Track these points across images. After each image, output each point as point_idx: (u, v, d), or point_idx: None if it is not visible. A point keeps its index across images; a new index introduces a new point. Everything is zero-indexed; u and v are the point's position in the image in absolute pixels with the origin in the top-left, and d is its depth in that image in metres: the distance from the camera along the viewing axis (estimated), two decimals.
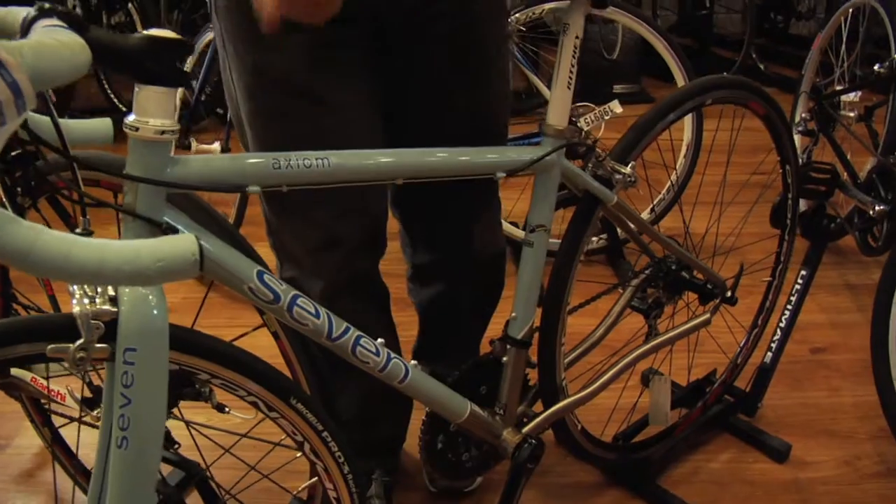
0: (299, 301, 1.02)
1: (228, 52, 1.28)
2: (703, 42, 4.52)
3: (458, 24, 1.31)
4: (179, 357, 0.95)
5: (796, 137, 2.46)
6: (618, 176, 1.36)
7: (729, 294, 1.67)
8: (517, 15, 2.47)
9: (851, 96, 2.48)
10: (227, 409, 1.19)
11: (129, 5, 3.80)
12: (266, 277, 0.99)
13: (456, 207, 1.51)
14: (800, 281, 1.93)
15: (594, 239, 2.66)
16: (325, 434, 1.10)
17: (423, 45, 1.31)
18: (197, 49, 2.79)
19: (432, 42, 1.31)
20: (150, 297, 0.89)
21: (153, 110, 0.84)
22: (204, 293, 1.42)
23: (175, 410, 1.10)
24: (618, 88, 4.20)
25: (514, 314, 1.35)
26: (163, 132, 0.85)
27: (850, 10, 2.69)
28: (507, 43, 1.43)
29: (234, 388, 1.01)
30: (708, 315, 1.66)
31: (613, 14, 2.62)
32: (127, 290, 0.88)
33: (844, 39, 2.70)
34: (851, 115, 2.50)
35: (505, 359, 1.37)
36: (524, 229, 1.32)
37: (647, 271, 1.65)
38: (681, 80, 2.67)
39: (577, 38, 1.25)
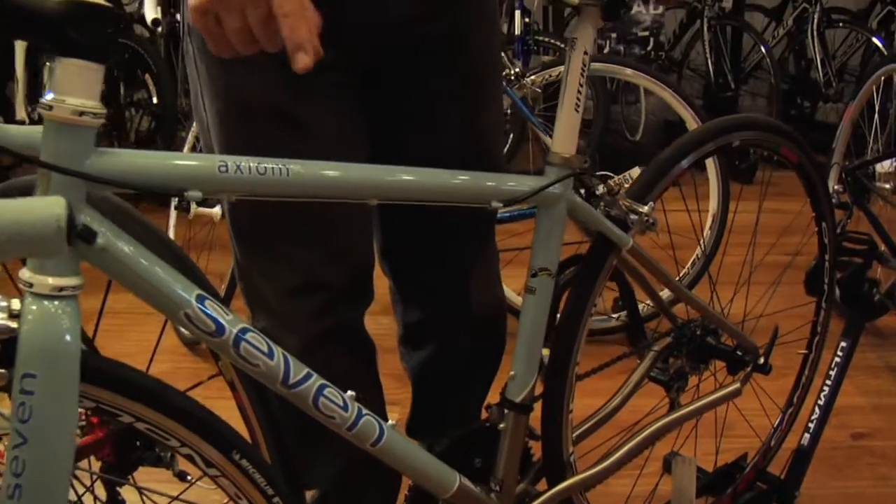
0: (248, 336, 0.86)
1: (201, 76, 1.15)
2: None
3: (451, 47, 1.19)
4: (94, 391, 0.78)
5: None
6: (634, 216, 1.19)
7: (762, 361, 1.48)
8: (532, 77, 2.37)
9: (886, 165, 2.33)
10: (189, 478, 1.01)
11: (147, 78, 3.77)
12: (208, 303, 0.83)
13: (448, 255, 1.36)
14: (839, 353, 1.73)
15: (613, 316, 2.48)
16: (276, 500, 0.91)
17: (415, 70, 1.18)
18: None
19: (424, 67, 1.18)
20: (60, 313, 0.73)
21: (73, 87, 0.71)
22: (197, 364, 1.27)
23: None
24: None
25: (512, 373, 1.16)
26: (82, 113, 0.71)
27: (882, 79, 2.56)
28: (499, 67, 1.30)
29: (164, 435, 0.84)
30: (738, 385, 1.46)
31: (638, 79, 2.51)
32: (33, 304, 0.73)
33: (877, 109, 2.56)
34: (887, 186, 2.35)
35: (502, 426, 1.18)
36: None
37: (668, 337, 1.47)
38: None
39: (585, 53, 1.11)
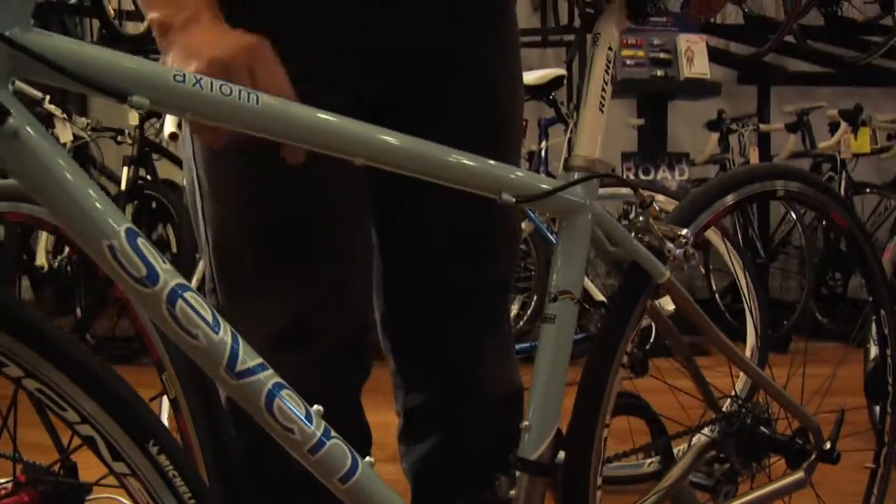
0: (189, 296, 0.68)
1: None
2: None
3: (476, 81, 1.09)
4: None
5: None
6: (671, 245, 1.02)
7: (828, 447, 1.23)
8: None
9: None
10: None
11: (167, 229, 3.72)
12: (140, 241, 0.66)
13: (458, 324, 1.18)
14: None
15: (646, 461, 2.21)
16: None
17: (435, 104, 1.07)
18: None
19: (446, 101, 1.07)
20: None
21: None
22: None
23: None
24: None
25: (526, 423, 0.95)
26: None
27: None
28: (521, 104, 1.19)
29: (60, 403, 0.63)
30: (802, 474, 1.21)
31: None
32: None
33: None
34: None
35: (513, 493, 0.95)
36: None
37: (712, 432, 1.24)
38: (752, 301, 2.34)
39: (609, 50, 0.99)
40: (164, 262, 0.67)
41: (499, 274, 1.20)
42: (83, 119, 3.58)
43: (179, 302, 0.67)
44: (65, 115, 3.47)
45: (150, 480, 0.67)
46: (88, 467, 0.98)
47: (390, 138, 0.81)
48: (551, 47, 4.30)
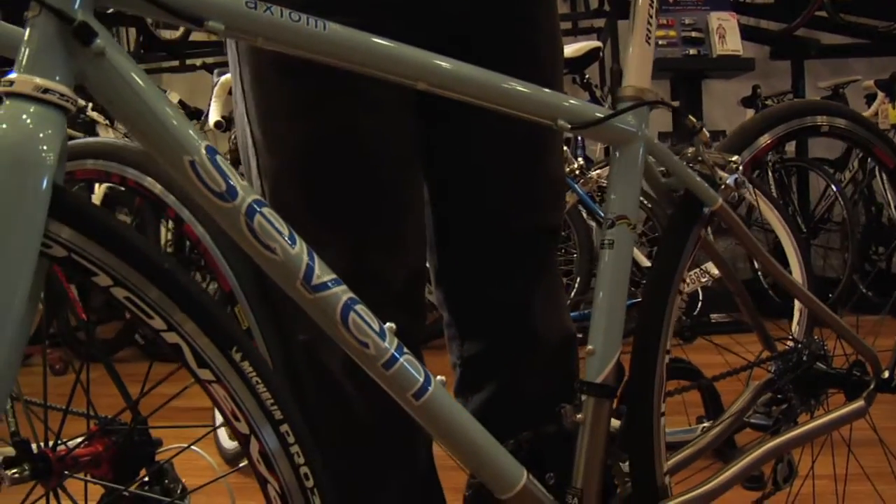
0: (266, 211, 0.71)
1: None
2: None
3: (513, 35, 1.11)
4: (67, 235, 0.63)
5: None
6: (722, 173, 1.04)
7: (886, 375, 1.23)
8: (598, 171, 2.28)
9: None
10: None
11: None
12: (219, 157, 0.69)
13: (510, 271, 1.20)
14: None
15: (698, 426, 2.21)
16: (283, 427, 0.71)
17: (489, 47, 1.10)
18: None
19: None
20: (39, 118, 0.61)
21: None
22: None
23: None
24: (715, 317, 3.87)
25: (590, 347, 0.97)
26: None
27: None
28: (559, 36, 1.20)
29: (147, 311, 0.67)
30: (862, 402, 1.21)
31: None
32: (9, 104, 0.61)
33: None
34: None
35: (579, 416, 0.97)
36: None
37: (768, 371, 1.25)
38: (798, 274, 2.33)
39: None
40: (241, 178, 0.71)
41: (548, 220, 1.22)
42: None
43: (257, 216, 0.70)
44: (107, 122, 3.55)
45: (235, 386, 0.69)
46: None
47: (450, 64, 0.83)
48: (582, 34, 4.31)
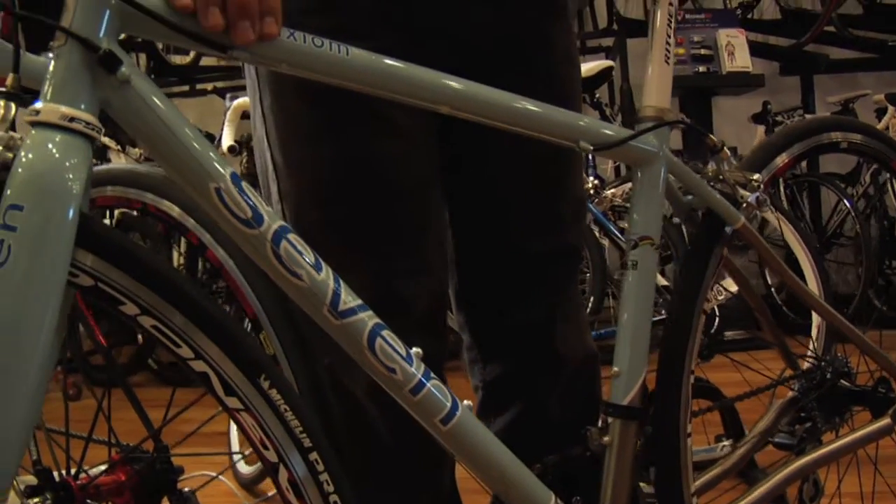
0: (292, 237, 0.71)
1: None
2: None
3: (529, 50, 1.11)
4: (93, 263, 0.63)
5: None
6: (743, 191, 1.03)
7: None
8: (612, 190, 2.28)
9: None
10: None
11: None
12: (244, 184, 0.69)
13: (531, 291, 1.20)
14: None
15: (718, 445, 2.18)
16: (313, 455, 0.70)
17: (498, 69, 1.10)
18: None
19: (506, 67, 1.10)
20: (65, 148, 0.61)
21: None
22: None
23: None
24: (729, 335, 3.85)
25: (616, 369, 0.96)
26: None
27: None
28: (576, 55, 1.20)
29: (174, 339, 0.66)
30: (888, 420, 1.19)
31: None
32: (35, 134, 0.61)
33: None
34: None
35: (606, 439, 0.96)
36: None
37: (791, 389, 1.24)
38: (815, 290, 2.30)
39: (671, 5, 1.01)
40: (266, 204, 0.71)
41: (569, 241, 1.22)
42: (136, 150, 3.68)
43: (283, 242, 0.70)
44: (119, 147, 3.57)
45: (263, 415, 0.69)
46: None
47: (473, 88, 0.83)
48: (590, 53, 4.32)
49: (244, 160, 2.70)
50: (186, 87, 4.35)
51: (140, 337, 3.68)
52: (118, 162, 3.54)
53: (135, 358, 3.56)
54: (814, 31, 4.08)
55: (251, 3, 0.69)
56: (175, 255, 3.55)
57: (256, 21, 0.69)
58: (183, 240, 3.49)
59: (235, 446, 1.91)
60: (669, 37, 1.00)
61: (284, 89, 1.01)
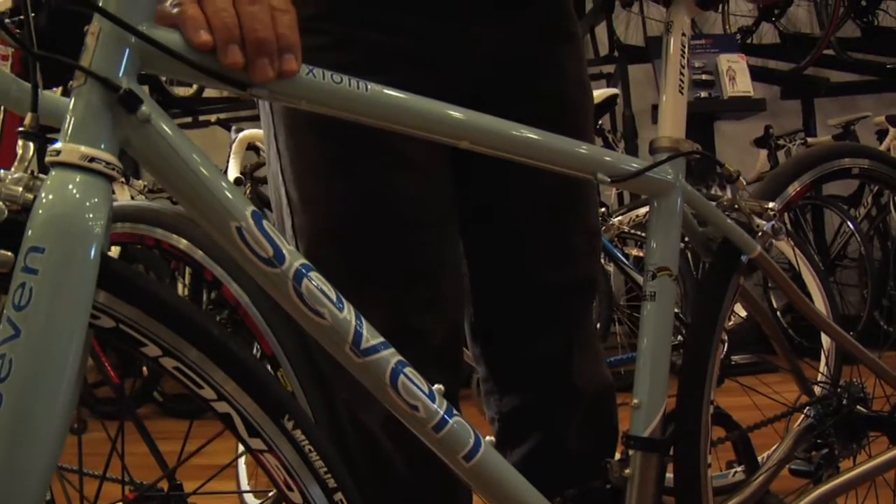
0: (314, 275, 0.70)
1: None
2: None
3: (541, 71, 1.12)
4: (115, 305, 0.62)
5: None
6: (759, 220, 1.03)
7: None
8: (619, 217, 2.28)
9: None
10: None
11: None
12: (265, 223, 0.69)
13: (548, 324, 1.19)
14: None
15: (730, 472, 2.17)
16: (337, 496, 0.69)
17: (513, 93, 1.10)
18: None
19: (519, 90, 1.10)
20: (86, 188, 0.60)
21: None
22: None
23: None
24: (736, 358, 3.82)
25: (636, 401, 0.95)
26: None
27: None
28: (588, 82, 1.21)
29: (196, 380, 0.65)
30: None
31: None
32: (56, 174, 0.60)
33: None
34: None
35: (627, 472, 0.95)
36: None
37: (807, 416, 1.23)
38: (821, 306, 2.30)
39: (683, 35, 1.01)
40: (287, 243, 0.70)
41: (584, 272, 1.21)
42: (140, 182, 3.68)
43: (305, 281, 0.69)
44: (122, 180, 3.57)
45: (287, 455, 0.68)
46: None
47: (493, 123, 0.83)
48: (591, 80, 4.33)
49: (247, 191, 2.70)
50: (189, 119, 4.37)
51: (145, 369, 3.67)
52: (121, 193, 3.54)
53: (140, 390, 3.54)
54: (813, 55, 4.11)
55: (270, 39, 0.68)
56: (180, 286, 3.54)
57: (275, 58, 0.69)
58: (188, 271, 3.49)
59: (244, 481, 1.89)
60: (683, 67, 1.00)
61: (298, 124, 1.01)
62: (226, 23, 0.67)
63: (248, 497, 1.89)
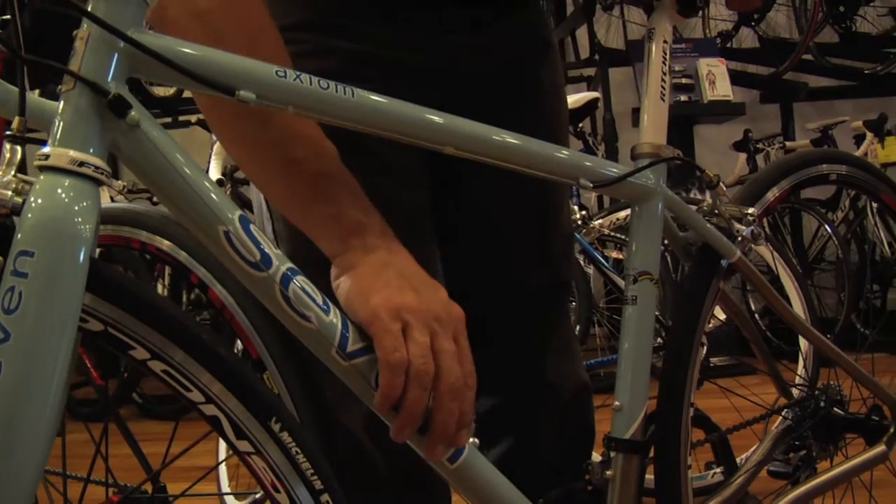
0: (300, 279, 0.71)
1: None
2: None
3: (516, 83, 1.12)
4: (103, 308, 0.63)
5: None
6: (739, 225, 1.04)
7: None
8: (600, 220, 2.29)
9: None
10: None
11: None
12: (252, 227, 0.69)
13: (523, 324, 1.20)
14: None
15: (709, 473, 2.19)
16: (324, 497, 0.70)
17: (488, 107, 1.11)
18: None
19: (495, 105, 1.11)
20: (74, 192, 0.61)
21: None
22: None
23: None
24: (715, 361, 3.86)
25: (617, 403, 0.96)
26: None
27: None
28: (563, 91, 1.22)
29: (184, 383, 0.66)
30: (883, 447, 1.20)
31: None
32: (44, 178, 0.61)
33: None
34: None
35: (609, 473, 0.96)
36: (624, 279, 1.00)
37: (785, 418, 1.25)
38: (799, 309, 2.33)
39: (665, 42, 1.03)
40: (275, 247, 0.71)
41: (561, 274, 1.23)
42: (119, 182, 3.66)
43: (292, 284, 0.70)
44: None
45: (274, 458, 0.68)
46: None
47: (477, 128, 0.83)
48: (572, 83, 4.36)
49: (228, 191, 2.69)
50: (169, 119, 4.35)
51: (124, 370, 3.65)
52: (102, 194, 3.52)
53: (120, 392, 3.52)
54: (792, 60, 4.15)
55: (453, 424, 0.75)
56: (160, 287, 3.53)
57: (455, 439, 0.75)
58: (167, 272, 3.47)
59: (224, 483, 1.89)
60: (665, 74, 1.02)
61: None
62: (419, 400, 0.73)
63: (230, 499, 1.89)
